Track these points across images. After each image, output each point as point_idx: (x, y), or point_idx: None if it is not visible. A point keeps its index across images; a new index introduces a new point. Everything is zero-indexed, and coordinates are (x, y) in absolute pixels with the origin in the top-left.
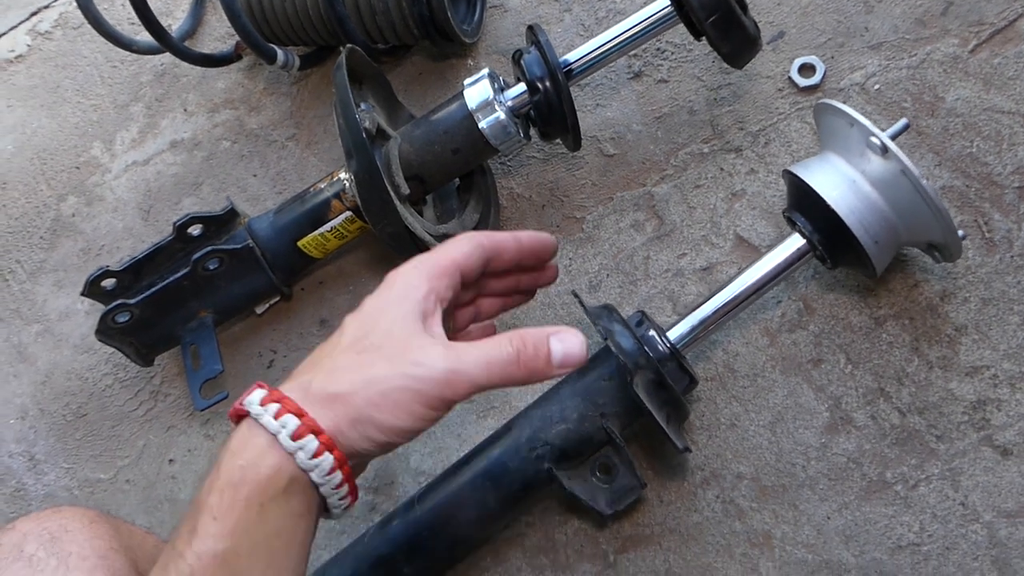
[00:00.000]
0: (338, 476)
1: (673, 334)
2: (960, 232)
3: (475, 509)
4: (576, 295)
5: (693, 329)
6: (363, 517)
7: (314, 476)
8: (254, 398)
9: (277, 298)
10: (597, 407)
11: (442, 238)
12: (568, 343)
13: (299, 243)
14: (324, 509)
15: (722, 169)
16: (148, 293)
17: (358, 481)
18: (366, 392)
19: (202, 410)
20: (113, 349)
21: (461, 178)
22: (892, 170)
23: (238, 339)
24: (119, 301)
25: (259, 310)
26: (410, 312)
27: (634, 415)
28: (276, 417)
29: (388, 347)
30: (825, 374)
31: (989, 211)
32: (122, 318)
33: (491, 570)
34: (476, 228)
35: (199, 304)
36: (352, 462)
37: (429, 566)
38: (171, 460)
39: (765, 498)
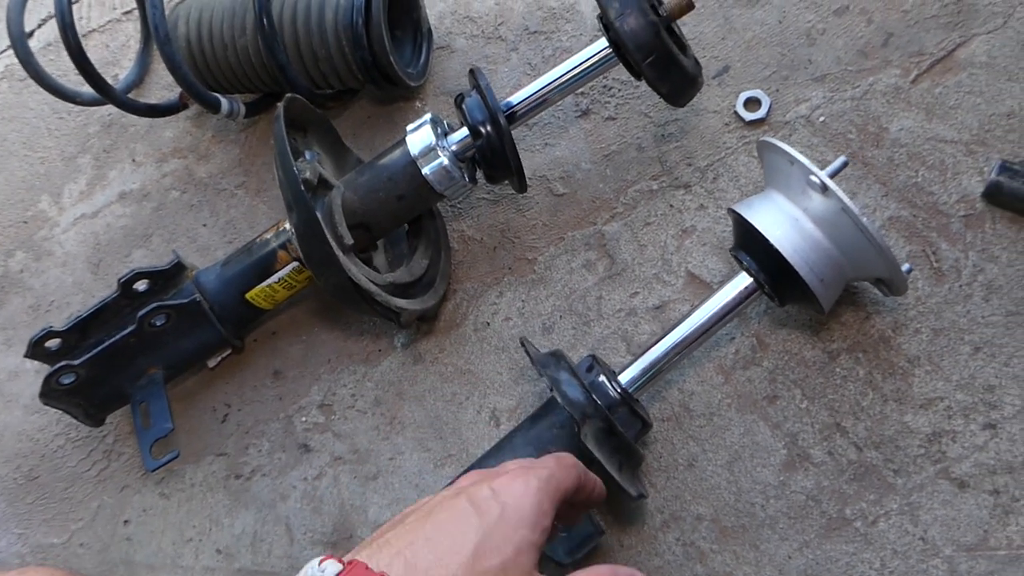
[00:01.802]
0: None
1: (624, 377)
2: (906, 266)
3: None
4: (524, 343)
5: (645, 371)
6: None
7: None
8: None
9: (229, 351)
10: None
11: (389, 287)
12: None
13: (247, 295)
14: None
15: (671, 206)
16: (93, 352)
17: (314, 535)
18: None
19: (152, 471)
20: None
21: (410, 223)
22: (833, 208)
23: (191, 393)
24: (63, 363)
25: (211, 364)
26: (531, 545)
27: (587, 463)
28: None
29: None
30: (781, 411)
31: (936, 240)
32: (67, 379)
33: None
34: (426, 273)
35: (147, 361)
36: None
37: None
38: (126, 521)
39: (726, 539)
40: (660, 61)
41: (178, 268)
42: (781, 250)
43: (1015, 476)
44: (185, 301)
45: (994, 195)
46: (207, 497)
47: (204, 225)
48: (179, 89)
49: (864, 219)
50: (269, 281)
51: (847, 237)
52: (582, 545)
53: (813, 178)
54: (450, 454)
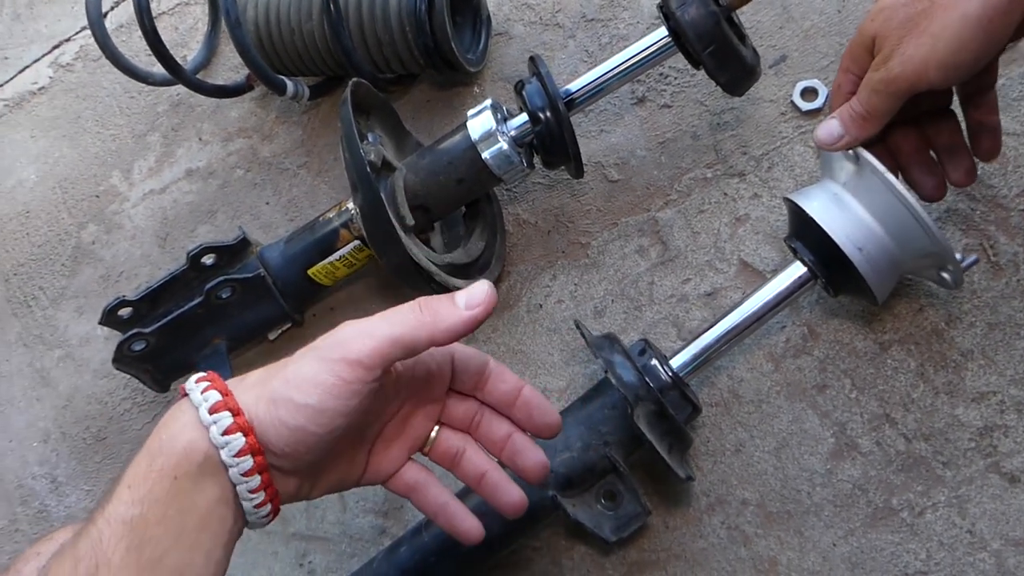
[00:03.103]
0: (249, 462)
1: (676, 362)
2: (971, 258)
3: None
4: (578, 324)
5: (696, 357)
6: (373, 541)
7: (224, 455)
8: (193, 378)
9: (289, 324)
10: (600, 436)
11: (447, 267)
12: (472, 288)
13: (309, 271)
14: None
15: (726, 194)
16: (163, 322)
17: (366, 504)
18: (285, 374)
19: None
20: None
21: (467, 206)
22: (892, 201)
23: (252, 364)
24: (135, 330)
25: (272, 336)
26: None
27: (637, 444)
28: (202, 392)
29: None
30: (830, 400)
31: (995, 234)
32: (138, 346)
33: None
34: (482, 255)
35: (213, 331)
36: (271, 460)
37: None
38: None
39: (770, 524)
40: (720, 51)
41: (243, 244)
42: (836, 240)
43: None
44: (250, 276)
45: None
46: None
47: (267, 203)
48: (246, 71)
49: (923, 212)
50: (331, 259)
51: (904, 229)
52: (628, 524)
53: (870, 169)
54: None
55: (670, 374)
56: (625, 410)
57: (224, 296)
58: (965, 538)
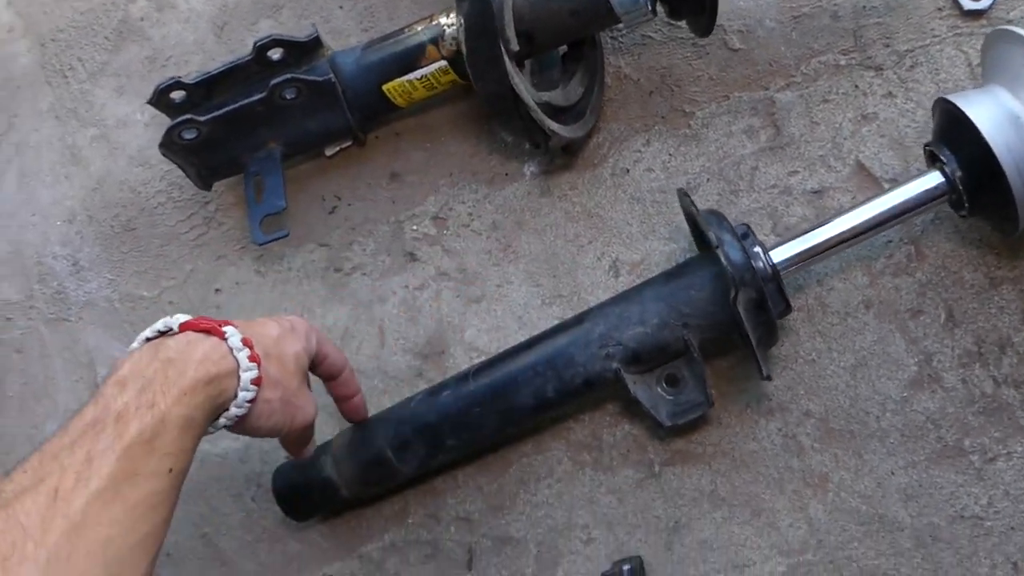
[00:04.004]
0: (253, 392)
1: (777, 256)
2: None
3: (532, 395)
4: (685, 193)
5: (799, 255)
6: (408, 381)
7: (242, 375)
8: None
9: (350, 142)
10: (681, 316)
11: (545, 106)
12: None
13: (384, 87)
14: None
15: (856, 86)
16: (219, 113)
17: (406, 344)
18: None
19: (260, 244)
20: (172, 166)
21: (569, 46)
22: None
23: (303, 179)
24: (188, 116)
25: (329, 152)
26: (304, 351)
27: (720, 331)
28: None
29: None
30: (922, 327)
31: None
32: (189, 134)
33: (530, 456)
34: (579, 102)
35: (269, 134)
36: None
37: (472, 442)
38: (217, 289)
39: (830, 440)
40: None
41: (316, 43)
42: (993, 145)
43: None
44: (320, 79)
45: None
46: (303, 283)
47: (340, 7)
48: None
49: None
50: (411, 76)
51: None
52: (687, 412)
53: None
54: (561, 294)
55: (771, 265)
56: (716, 293)
57: (288, 96)
58: None
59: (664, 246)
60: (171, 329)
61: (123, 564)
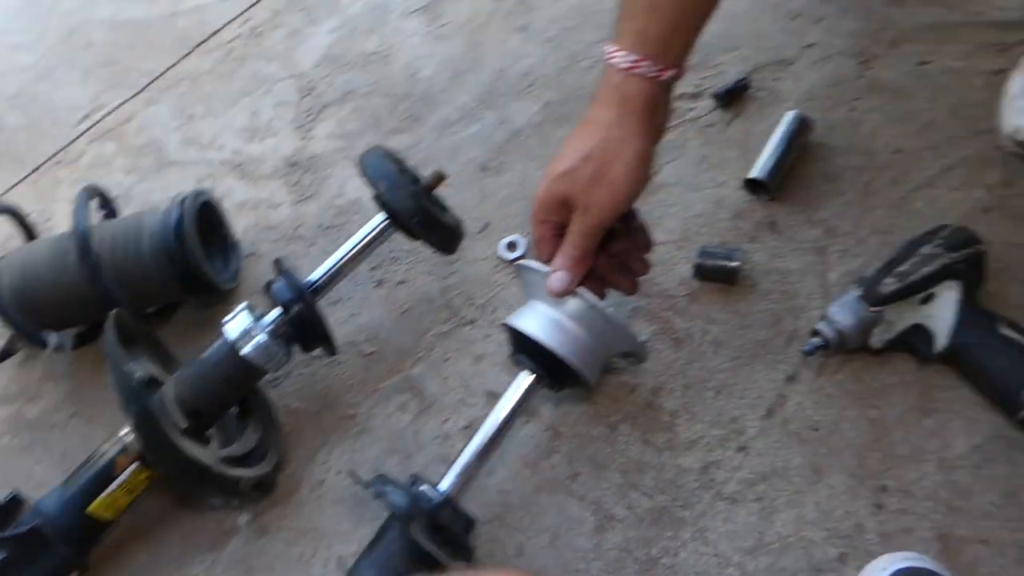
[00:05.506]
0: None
1: (444, 484)
2: (643, 337)
3: None
4: (351, 472)
5: (460, 475)
6: None
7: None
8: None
9: (76, 573)
10: (392, 572)
11: (227, 460)
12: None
13: (88, 510)
14: None
15: (463, 340)
16: None
17: None
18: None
19: None
20: None
21: (239, 405)
22: (583, 306)
23: None
24: None
25: None
26: None
27: (419, 558)
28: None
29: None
30: (583, 484)
31: (671, 318)
32: None
33: None
34: (258, 446)
35: None
36: None
37: None
38: None
39: None
40: (425, 220)
41: (15, 503)
42: (549, 346)
43: (769, 482)
44: (24, 530)
45: (700, 273)
46: None
47: (38, 463)
48: (4, 336)
49: (608, 310)
50: (110, 489)
51: (597, 325)
52: None
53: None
54: None
55: (440, 494)
56: (407, 537)
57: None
58: (714, 561)
59: (373, 526)
60: None
61: None
